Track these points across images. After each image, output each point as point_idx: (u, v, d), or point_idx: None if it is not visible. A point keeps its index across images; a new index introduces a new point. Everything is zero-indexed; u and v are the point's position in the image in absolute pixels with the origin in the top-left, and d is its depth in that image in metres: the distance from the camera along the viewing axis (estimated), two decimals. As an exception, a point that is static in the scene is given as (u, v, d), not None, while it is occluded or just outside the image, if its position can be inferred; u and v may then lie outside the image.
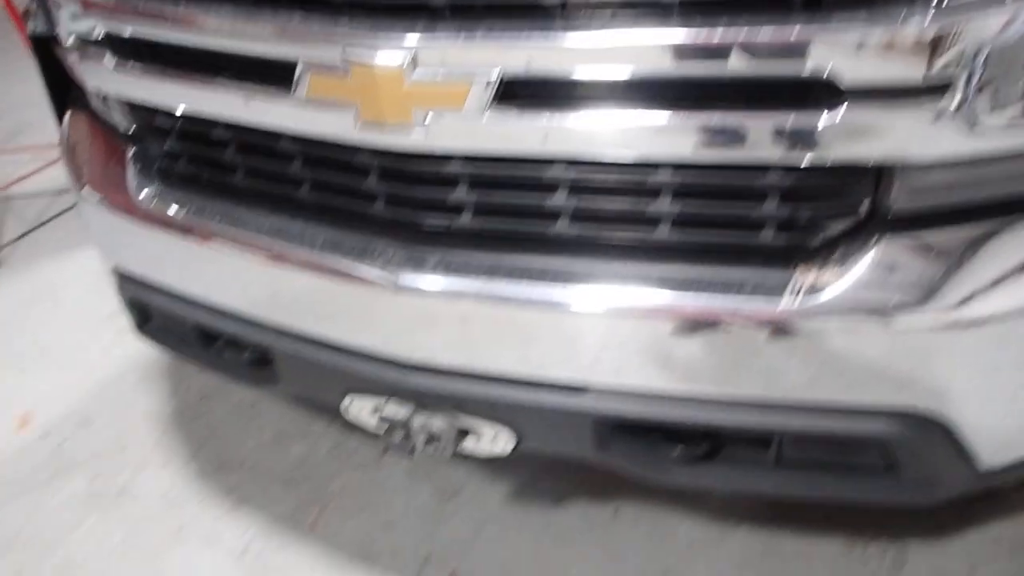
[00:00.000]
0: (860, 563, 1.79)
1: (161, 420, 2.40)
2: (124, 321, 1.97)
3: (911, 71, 1.06)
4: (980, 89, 1.06)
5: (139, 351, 2.65)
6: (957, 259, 1.22)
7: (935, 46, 1.04)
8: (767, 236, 1.26)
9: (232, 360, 1.79)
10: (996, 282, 1.21)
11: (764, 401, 1.32)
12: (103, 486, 2.21)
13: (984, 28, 1.03)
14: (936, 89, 1.08)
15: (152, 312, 1.90)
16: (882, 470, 1.40)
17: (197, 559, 1.98)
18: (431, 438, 1.51)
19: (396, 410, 1.51)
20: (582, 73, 1.17)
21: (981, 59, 1.04)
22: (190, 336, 1.84)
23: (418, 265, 1.39)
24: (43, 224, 3.55)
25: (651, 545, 1.88)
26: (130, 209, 1.67)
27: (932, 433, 1.30)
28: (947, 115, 1.08)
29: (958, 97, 1.07)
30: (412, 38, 1.20)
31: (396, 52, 1.21)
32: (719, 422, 1.36)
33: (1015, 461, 1.38)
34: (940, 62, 1.05)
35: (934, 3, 1.03)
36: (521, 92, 1.21)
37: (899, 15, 1.04)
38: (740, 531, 1.88)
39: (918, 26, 1.03)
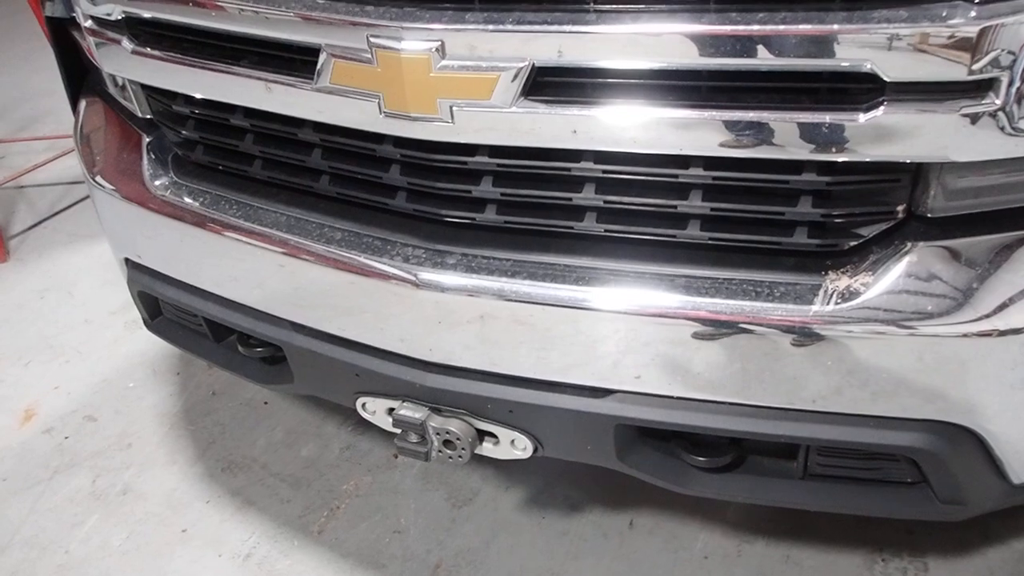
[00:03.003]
0: (881, 579, 1.75)
1: (168, 417, 2.37)
2: (133, 315, 1.94)
3: (953, 69, 1.03)
4: (1022, 89, 1.03)
5: (148, 346, 2.62)
6: (994, 266, 1.19)
7: (977, 44, 1.01)
8: (799, 238, 1.23)
9: (244, 357, 1.76)
10: (1033, 291, 1.18)
11: (791, 409, 1.28)
12: (107, 484, 2.18)
13: (1026, 28, 1.00)
14: (978, 88, 1.05)
15: (162, 306, 1.87)
16: (912, 484, 1.37)
17: (200, 563, 1.94)
18: (448, 442, 1.47)
19: (412, 412, 1.47)
20: (613, 65, 1.14)
21: (1023, 59, 1.01)
22: (201, 331, 1.81)
23: (439, 261, 1.35)
24: (55, 215, 3.54)
25: (667, 557, 1.84)
26: (144, 198, 1.64)
27: (964, 446, 1.27)
28: (988, 115, 1.05)
29: (1001, 97, 1.04)
30: (439, 26, 1.17)
31: (423, 40, 1.18)
32: (745, 430, 1.32)
33: (1049, 476, 1.35)
34: (982, 61, 1.02)
35: (976, 0, 1.00)
36: (550, 83, 1.18)
37: (941, 11, 1.02)
38: (758, 544, 1.84)
39: (960, 23, 1.00)
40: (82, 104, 1.87)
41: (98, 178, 1.74)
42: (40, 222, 3.51)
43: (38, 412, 2.45)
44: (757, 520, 1.89)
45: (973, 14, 1.00)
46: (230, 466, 2.19)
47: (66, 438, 2.34)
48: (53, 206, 3.59)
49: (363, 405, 1.56)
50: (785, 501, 1.44)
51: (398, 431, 1.52)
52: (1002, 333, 1.17)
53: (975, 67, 1.02)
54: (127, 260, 1.79)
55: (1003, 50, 1.02)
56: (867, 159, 1.11)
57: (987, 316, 1.17)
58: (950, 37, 1.01)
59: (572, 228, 1.31)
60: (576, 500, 1.99)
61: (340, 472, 2.13)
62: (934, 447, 1.26)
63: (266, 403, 2.37)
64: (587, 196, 1.28)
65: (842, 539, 1.82)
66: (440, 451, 1.50)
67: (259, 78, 1.37)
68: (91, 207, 1.90)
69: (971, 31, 1.00)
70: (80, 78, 1.89)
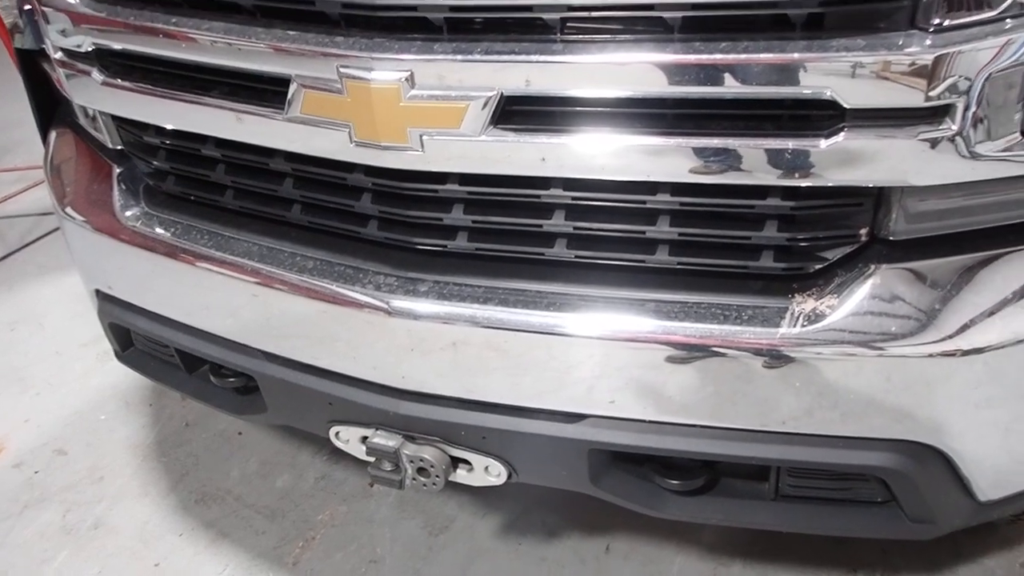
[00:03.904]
0: (856, 599, 1.76)
1: (141, 449, 2.34)
2: (104, 347, 1.92)
3: (910, 96, 1.06)
4: (978, 114, 1.06)
5: (120, 378, 2.59)
6: (956, 287, 1.21)
7: (933, 72, 1.04)
8: (765, 261, 1.25)
9: (217, 388, 1.75)
10: (994, 311, 1.20)
11: (761, 431, 1.30)
12: (78, 518, 2.15)
13: (981, 55, 1.03)
14: (935, 114, 1.08)
15: (134, 337, 1.85)
16: (882, 503, 1.38)
17: (174, 595, 1.91)
18: (422, 469, 1.47)
19: (385, 440, 1.47)
20: (581, 93, 1.16)
21: (978, 85, 1.05)
22: (173, 362, 1.80)
23: (411, 289, 1.36)
24: (25, 246, 3.50)
25: (643, 581, 1.84)
26: (114, 229, 1.64)
27: (931, 465, 1.29)
28: (946, 140, 1.08)
29: (957, 122, 1.07)
30: (409, 56, 1.19)
31: (392, 70, 1.20)
32: (716, 452, 1.33)
33: (1016, 492, 1.37)
34: (938, 88, 1.05)
35: (931, 29, 1.03)
36: (519, 112, 1.20)
37: (897, 40, 1.04)
38: (734, 566, 1.84)
39: (916, 51, 1.03)
40: (52, 135, 1.86)
41: (68, 209, 1.73)
42: (10, 254, 3.47)
43: (7, 446, 2.41)
44: (733, 542, 1.89)
45: (928, 42, 1.03)
46: (204, 498, 2.17)
47: (36, 472, 2.31)
48: (23, 237, 3.56)
49: (336, 434, 1.55)
50: (758, 523, 1.44)
51: (372, 459, 1.51)
52: (965, 353, 1.20)
53: (931, 94, 1.05)
54: (98, 291, 1.78)
55: (958, 77, 1.04)
56: (829, 184, 1.14)
57: (950, 336, 1.19)
58: (906, 65, 1.04)
59: (543, 254, 1.33)
60: (553, 526, 1.98)
61: (315, 502, 2.11)
62: (902, 467, 1.27)
63: (240, 434, 2.35)
64: (557, 222, 1.29)
65: (817, 559, 1.83)
66: (414, 479, 1.49)
67: (230, 108, 1.38)
68: (61, 238, 1.88)
69: (927, 59, 1.03)
70: (50, 109, 1.88)
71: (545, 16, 1.14)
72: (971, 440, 1.28)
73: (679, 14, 1.09)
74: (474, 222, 1.34)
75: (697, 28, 1.10)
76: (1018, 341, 1.21)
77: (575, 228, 1.29)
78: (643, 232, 1.26)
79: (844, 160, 1.11)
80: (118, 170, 1.71)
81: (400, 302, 1.35)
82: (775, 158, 1.13)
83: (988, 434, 1.29)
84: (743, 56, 1.07)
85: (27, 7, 1.66)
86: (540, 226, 1.30)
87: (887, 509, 1.38)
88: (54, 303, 3.06)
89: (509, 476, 1.47)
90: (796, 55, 1.06)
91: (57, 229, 2.74)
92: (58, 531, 2.11)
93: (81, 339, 2.82)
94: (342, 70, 1.22)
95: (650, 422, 1.33)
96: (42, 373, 2.70)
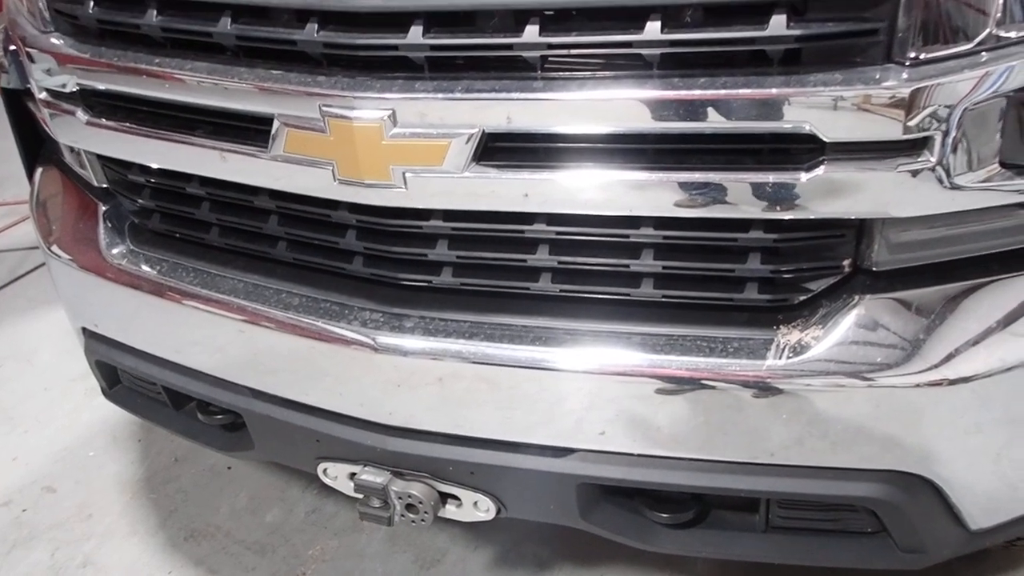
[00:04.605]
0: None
1: (129, 486, 2.33)
2: (93, 383, 1.91)
3: (888, 129, 1.06)
4: (956, 147, 1.07)
5: (108, 413, 2.57)
6: (940, 317, 1.21)
7: (910, 105, 1.04)
8: (750, 294, 1.25)
9: (204, 425, 1.74)
10: (980, 339, 1.21)
11: (750, 463, 1.29)
12: (66, 557, 2.12)
13: (957, 88, 1.04)
14: (914, 146, 1.08)
15: (121, 374, 1.85)
16: (872, 533, 1.37)
17: (162, 634, 1.89)
18: (411, 506, 1.46)
19: (373, 476, 1.46)
20: (562, 130, 1.17)
21: (956, 118, 1.05)
22: (160, 399, 1.79)
23: (397, 325, 1.36)
24: (14, 281, 3.48)
25: (636, 613, 1.82)
26: (100, 267, 1.63)
27: (921, 495, 1.28)
28: (926, 172, 1.09)
29: (936, 154, 1.07)
30: (390, 95, 1.19)
31: (374, 109, 1.20)
32: (705, 485, 1.32)
33: (1006, 521, 1.36)
34: (916, 120, 1.05)
35: (908, 63, 1.04)
36: (501, 148, 1.20)
37: (875, 74, 1.05)
38: (728, 597, 1.83)
39: (893, 85, 1.04)
40: (38, 173, 1.86)
41: (54, 247, 1.73)
42: (-1, 288, 3.46)
43: (-6, 484, 2.40)
44: (726, 573, 1.88)
45: (905, 76, 1.04)
46: (193, 534, 2.15)
47: (24, 510, 2.29)
48: (12, 272, 3.55)
49: (324, 471, 1.54)
50: (748, 555, 1.44)
51: (360, 496, 1.50)
52: (952, 382, 1.19)
53: (910, 126, 1.05)
54: (84, 329, 1.77)
55: (936, 109, 1.05)
56: (812, 216, 1.14)
57: (936, 366, 1.19)
58: (884, 98, 1.04)
59: (528, 289, 1.33)
60: (545, 558, 1.97)
61: (305, 537, 2.10)
62: (891, 497, 1.27)
63: (230, 468, 2.33)
64: (541, 257, 1.29)
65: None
66: (403, 515, 1.48)
67: (214, 147, 1.38)
68: (47, 274, 1.88)
69: (904, 92, 1.03)
70: (36, 147, 1.88)
71: (525, 54, 1.14)
72: (960, 469, 1.28)
73: (657, 51, 1.09)
74: (459, 257, 1.34)
75: (676, 64, 1.11)
76: (1005, 369, 1.20)
77: (560, 263, 1.29)
78: (627, 266, 1.26)
79: (825, 193, 1.11)
80: (104, 208, 1.71)
81: (386, 338, 1.35)
82: (757, 192, 1.13)
83: (977, 463, 1.28)
84: (722, 92, 1.08)
85: (11, 47, 1.66)
86: (524, 261, 1.30)
87: (878, 539, 1.37)
88: (43, 338, 3.05)
89: (498, 511, 1.46)
90: (774, 90, 1.07)
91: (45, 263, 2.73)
92: (46, 570, 2.09)
93: (70, 374, 2.80)
94: (324, 109, 1.22)
95: (638, 455, 1.32)
96: (31, 409, 2.68)
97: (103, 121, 1.50)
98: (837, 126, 1.07)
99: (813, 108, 1.06)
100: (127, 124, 1.48)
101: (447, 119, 1.18)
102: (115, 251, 1.65)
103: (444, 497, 1.47)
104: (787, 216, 1.14)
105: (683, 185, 1.15)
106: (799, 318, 1.25)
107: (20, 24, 1.61)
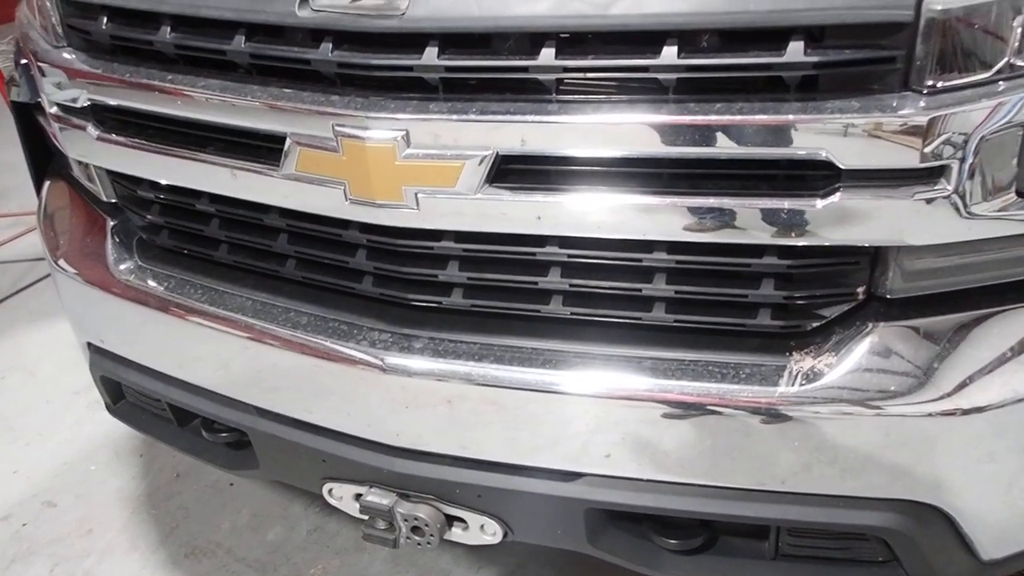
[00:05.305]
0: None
1: (131, 501, 2.31)
2: (96, 396, 1.90)
3: (905, 157, 1.06)
4: (973, 175, 1.06)
5: (111, 427, 2.56)
6: (953, 345, 1.20)
7: (927, 133, 1.04)
8: (763, 319, 1.24)
9: (209, 442, 1.73)
10: (994, 369, 1.20)
11: (760, 491, 1.28)
12: (65, 573, 2.11)
13: (975, 116, 1.04)
14: (931, 174, 1.08)
15: (125, 390, 1.83)
16: (883, 563, 1.36)
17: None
18: (416, 528, 1.44)
19: (379, 498, 1.45)
20: (576, 153, 1.16)
21: (972, 146, 1.05)
22: (165, 416, 1.78)
23: (406, 345, 1.35)
24: (17, 292, 3.48)
25: (641, 638, 1.80)
26: (107, 283, 1.63)
27: (933, 524, 1.27)
28: (942, 200, 1.08)
29: (952, 183, 1.07)
30: (404, 115, 1.19)
31: (388, 129, 1.20)
32: (715, 512, 1.31)
33: (1018, 552, 1.35)
34: (933, 148, 1.05)
35: (925, 91, 1.04)
36: (515, 171, 1.20)
37: (892, 102, 1.05)
38: (733, 623, 1.81)
39: (910, 113, 1.03)
40: (46, 186, 1.86)
41: (61, 262, 1.72)
42: (2, 300, 3.45)
43: (-5, 498, 2.38)
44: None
45: (922, 104, 1.04)
46: (194, 551, 2.13)
47: (24, 525, 2.27)
48: (16, 283, 3.54)
49: (330, 491, 1.53)
50: (758, 583, 1.42)
51: (365, 517, 1.49)
52: (965, 412, 1.18)
53: (926, 154, 1.05)
54: (89, 344, 1.76)
55: (953, 137, 1.04)
56: (826, 243, 1.13)
57: (949, 395, 1.18)
58: (901, 127, 1.04)
59: (539, 311, 1.32)
60: (548, 581, 1.95)
61: (307, 555, 2.08)
62: (903, 526, 1.25)
63: (232, 485, 2.32)
64: (553, 280, 1.28)
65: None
66: (408, 538, 1.47)
67: (225, 165, 1.37)
68: (53, 287, 1.87)
69: (921, 121, 1.03)
70: (45, 160, 1.88)
71: (540, 76, 1.14)
72: (973, 499, 1.26)
73: (673, 75, 1.09)
74: (469, 279, 1.33)
75: (692, 89, 1.11)
76: (1018, 399, 1.19)
77: (571, 285, 1.29)
78: (639, 290, 1.26)
79: (840, 220, 1.11)
80: (112, 223, 1.71)
81: (395, 359, 1.34)
82: (771, 217, 1.13)
83: (990, 493, 1.27)
84: (738, 117, 1.08)
85: (23, 61, 1.66)
86: (536, 283, 1.30)
87: (889, 568, 1.36)
88: (46, 351, 3.04)
89: (505, 535, 1.45)
90: (791, 116, 1.06)
91: (50, 275, 2.73)
92: (45, 586, 2.08)
93: (72, 388, 2.79)
94: (337, 128, 1.22)
95: (647, 481, 1.31)
96: (33, 423, 2.67)
97: (114, 136, 1.50)
98: (853, 153, 1.06)
99: (830, 135, 1.06)
100: (138, 140, 1.48)
101: (461, 141, 1.18)
102: (123, 267, 1.64)
103: (450, 520, 1.46)
104: (801, 242, 1.14)
105: (697, 210, 1.14)
106: (812, 345, 1.24)
107: (32, 38, 1.61)
